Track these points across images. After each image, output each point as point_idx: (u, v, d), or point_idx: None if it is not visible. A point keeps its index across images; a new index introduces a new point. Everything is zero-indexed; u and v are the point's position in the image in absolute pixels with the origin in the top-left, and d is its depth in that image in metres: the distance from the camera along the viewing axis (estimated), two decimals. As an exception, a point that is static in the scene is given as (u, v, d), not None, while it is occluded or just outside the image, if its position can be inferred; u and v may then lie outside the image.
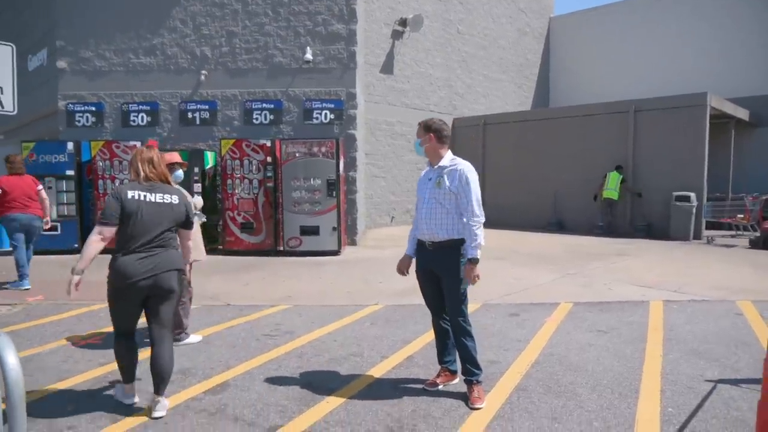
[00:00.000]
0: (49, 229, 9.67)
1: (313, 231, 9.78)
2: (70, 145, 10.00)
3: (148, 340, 3.53)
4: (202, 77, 10.95)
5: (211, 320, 5.61)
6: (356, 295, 6.73)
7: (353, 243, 11.20)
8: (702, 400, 3.53)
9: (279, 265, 8.95)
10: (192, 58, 11.04)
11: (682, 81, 16.35)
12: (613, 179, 12.69)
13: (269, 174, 9.85)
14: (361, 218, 11.80)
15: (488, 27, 18.09)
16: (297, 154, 9.71)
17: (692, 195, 11.67)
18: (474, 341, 3.60)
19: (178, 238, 3.56)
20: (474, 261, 3.44)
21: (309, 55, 10.77)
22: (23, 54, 14.41)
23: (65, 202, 9.90)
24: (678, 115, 12.23)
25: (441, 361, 3.85)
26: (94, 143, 10.10)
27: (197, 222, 5.08)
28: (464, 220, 3.52)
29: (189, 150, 10.17)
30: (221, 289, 7.06)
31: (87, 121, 11.12)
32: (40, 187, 7.28)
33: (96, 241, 3.24)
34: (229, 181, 9.88)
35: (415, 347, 4.66)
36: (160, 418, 3.35)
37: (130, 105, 11.09)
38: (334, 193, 9.71)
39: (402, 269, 3.86)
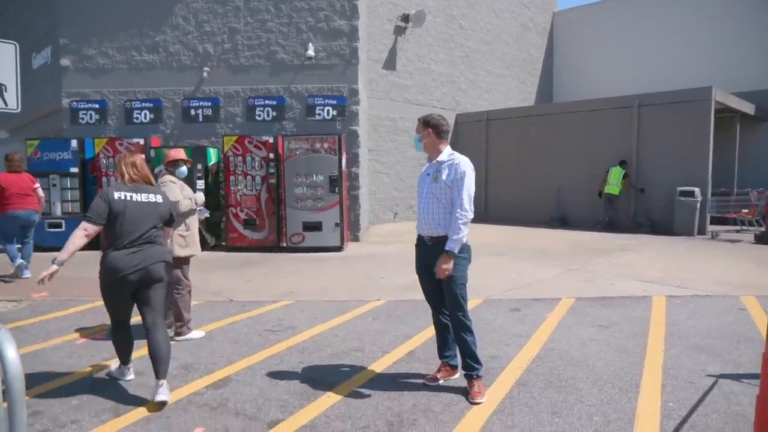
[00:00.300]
0: (54, 226, 9.81)
1: (315, 227, 9.79)
2: (73, 143, 10.04)
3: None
4: (205, 74, 10.97)
5: (213, 316, 5.64)
6: (358, 290, 6.75)
7: (356, 239, 11.22)
8: (703, 394, 3.52)
9: (282, 261, 8.97)
10: (194, 55, 11.05)
11: (687, 75, 16.26)
12: (615, 174, 12.64)
13: (272, 170, 9.86)
14: (364, 214, 11.81)
15: (491, 22, 18.03)
16: (299, 151, 9.72)
17: (696, 190, 11.62)
18: (474, 336, 3.61)
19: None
20: (450, 254, 3.44)
21: (311, 52, 10.77)
22: (27, 52, 14.47)
23: (69, 199, 9.95)
24: (682, 109, 12.16)
25: (441, 356, 3.86)
26: (98, 140, 10.15)
27: (197, 218, 5.10)
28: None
29: (192, 147, 10.20)
30: (224, 285, 7.09)
31: (90, 119, 11.16)
32: (37, 184, 7.61)
33: (80, 236, 3.42)
34: (231, 178, 9.90)
35: (416, 342, 4.67)
36: (165, 402, 3.45)
37: (133, 102, 11.12)
38: (337, 189, 9.72)
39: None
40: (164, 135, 11.06)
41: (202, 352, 4.52)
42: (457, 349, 3.70)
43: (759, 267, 8.05)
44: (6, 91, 6.13)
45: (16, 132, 17.84)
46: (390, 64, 14.93)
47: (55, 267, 3.40)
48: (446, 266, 3.45)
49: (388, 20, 14.81)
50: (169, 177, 4.85)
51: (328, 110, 11.02)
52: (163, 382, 3.50)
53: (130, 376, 3.87)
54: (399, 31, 15.06)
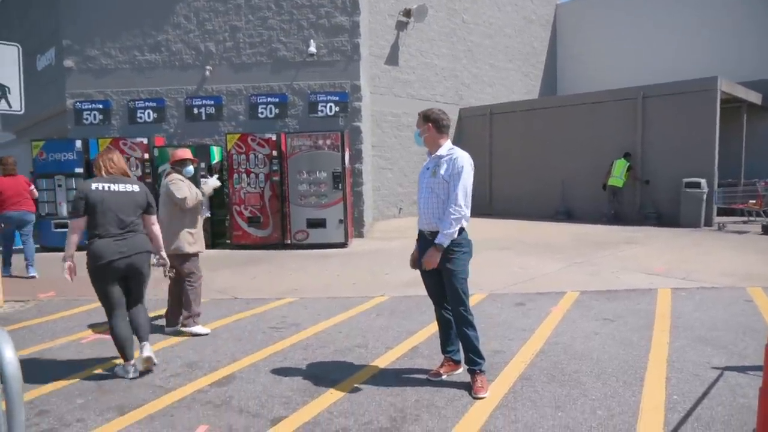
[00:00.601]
0: (60, 226, 9.87)
1: (319, 224, 9.80)
2: (78, 143, 10.09)
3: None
4: (207, 72, 10.98)
5: (218, 313, 5.67)
6: (362, 286, 6.75)
7: (360, 235, 11.22)
8: (708, 387, 3.50)
9: (286, 258, 8.99)
10: (196, 54, 11.07)
11: (692, 65, 16.09)
12: (619, 167, 12.57)
13: (275, 168, 9.87)
14: (368, 210, 11.81)
15: (494, 16, 17.92)
16: (302, 148, 9.72)
17: (702, 181, 11.53)
18: (476, 331, 3.60)
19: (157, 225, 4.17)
20: (438, 247, 3.43)
21: (313, 48, 10.75)
22: (32, 54, 14.54)
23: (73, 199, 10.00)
24: (688, 100, 12.06)
25: (444, 351, 3.85)
26: (102, 141, 10.17)
27: (202, 217, 5.12)
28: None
29: (195, 145, 10.23)
30: (228, 282, 7.11)
31: (95, 119, 11.21)
32: (32, 187, 7.93)
33: (71, 233, 3.84)
34: (235, 176, 9.92)
35: (419, 338, 4.67)
36: (150, 357, 3.91)
37: (136, 102, 11.15)
38: (340, 185, 9.72)
39: (414, 263, 3.84)
40: (168, 134, 11.10)
41: (206, 350, 4.54)
42: (460, 344, 3.69)
43: (766, 258, 7.99)
44: (10, 93, 6.18)
45: (22, 134, 17.96)
46: (392, 59, 14.88)
47: (69, 263, 3.81)
48: (432, 259, 3.45)
49: (390, 15, 14.75)
50: (176, 176, 4.94)
51: (330, 107, 11.01)
52: (146, 342, 3.96)
53: (134, 374, 3.91)
54: (401, 26, 15.00)
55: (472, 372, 3.58)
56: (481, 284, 6.57)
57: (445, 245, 3.43)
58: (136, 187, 3.98)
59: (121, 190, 3.88)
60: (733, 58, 16.20)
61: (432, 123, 3.63)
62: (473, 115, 16.37)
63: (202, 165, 9.81)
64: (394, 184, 14.28)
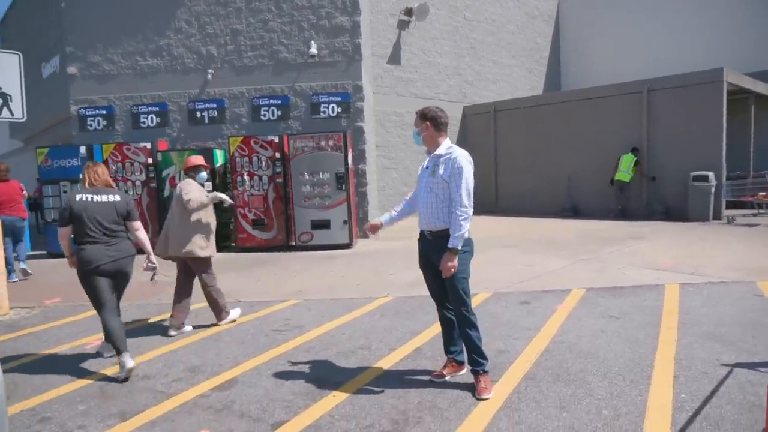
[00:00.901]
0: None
1: (323, 225, 9.78)
2: (82, 149, 10.13)
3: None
4: (209, 76, 10.99)
5: (221, 317, 5.65)
6: (366, 287, 6.72)
7: (365, 236, 11.17)
8: (717, 385, 3.43)
9: (291, 260, 8.97)
10: (198, 58, 11.08)
11: (697, 57, 15.88)
12: (626, 161, 12.45)
13: (278, 170, 9.86)
14: (373, 210, 11.77)
15: (495, 12, 17.83)
16: (305, 149, 9.71)
17: (710, 174, 11.39)
18: (478, 331, 3.55)
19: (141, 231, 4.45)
20: (453, 251, 3.38)
21: (314, 50, 10.73)
22: (37, 62, 14.65)
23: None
24: (693, 92, 11.93)
25: (447, 352, 3.81)
26: (106, 146, 10.22)
27: (213, 222, 5.25)
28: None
29: (198, 149, 10.25)
30: (233, 285, 7.09)
31: (98, 125, 11.26)
32: (25, 192, 8.22)
33: (60, 240, 4.25)
34: (239, 179, 9.92)
35: (423, 338, 4.63)
36: (133, 367, 4.03)
37: (139, 107, 11.19)
38: (344, 186, 9.69)
39: (367, 228, 3.89)
40: (171, 138, 11.12)
41: (208, 353, 4.52)
42: (463, 344, 3.65)
43: (776, 251, 7.87)
44: (11, 101, 6.19)
45: (29, 141, 18.10)
46: (395, 58, 14.83)
47: (72, 259, 4.23)
48: (451, 264, 3.39)
49: (391, 15, 14.71)
50: (189, 180, 5.23)
51: (332, 107, 10.98)
52: (126, 353, 4.06)
53: (131, 363, 4.01)
54: (402, 25, 14.95)
55: (476, 373, 3.53)
56: (486, 283, 6.52)
57: (459, 247, 3.39)
58: (117, 197, 4.30)
59: (103, 200, 4.21)
60: (739, 49, 15.99)
61: (430, 121, 3.59)
62: (477, 113, 16.29)
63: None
64: (399, 184, 14.23)
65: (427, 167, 3.67)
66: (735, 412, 3.08)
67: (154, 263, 4.45)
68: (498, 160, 15.74)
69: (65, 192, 10.08)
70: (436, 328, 4.70)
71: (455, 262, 3.40)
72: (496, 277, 6.85)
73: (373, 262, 8.43)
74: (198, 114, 11.14)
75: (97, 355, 4.58)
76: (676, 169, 12.08)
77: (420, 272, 3.79)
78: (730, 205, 12.34)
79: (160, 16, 11.05)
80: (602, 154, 13.15)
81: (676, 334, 4.42)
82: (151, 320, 5.70)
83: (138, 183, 10.19)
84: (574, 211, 13.91)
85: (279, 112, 11.06)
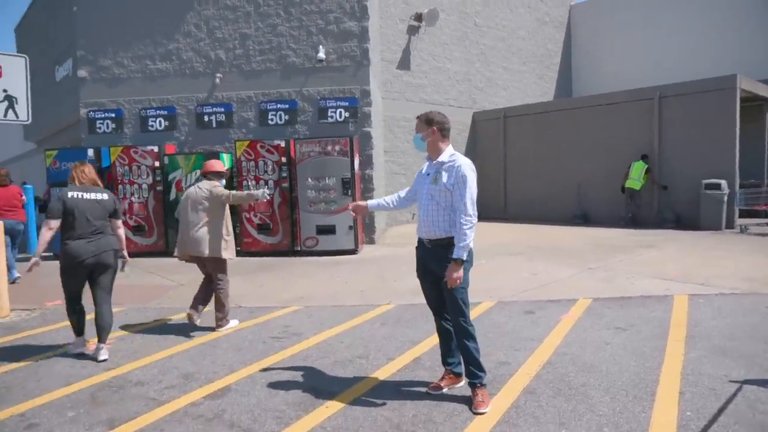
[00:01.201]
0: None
1: (329, 230, 9.72)
2: (90, 152, 10.18)
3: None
4: (217, 80, 11.00)
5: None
6: (369, 294, 6.63)
7: (372, 241, 11.10)
8: (725, 402, 3.30)
9: (295, 265, 8.92)
10: (207, 62, 11.11)
11: (710, 64, 15.62)
12: (637, 169, 12.26)
13: (284, 174, 9.83)
14: (379, 216, 11.70)
15: (506, 18, 17.73)
16: (311, 154, 9.66)
17: (723, 182, 11.17)
18: (476, 342, 3.45)
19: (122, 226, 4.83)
20: (459, 262, 3.29)
21: (322, 54, 10.70)
22: (51, 65, 14.81)
23: (87, 208, 10.07)
24: (706, 99, 11.72)
25: (445, 363, 3.71)
26: (113, 149, 10.27)
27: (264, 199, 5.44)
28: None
29: (205, 153, 10.25)
30: (236, 290, 6.99)
31: (107, 128, 11.31)
32: (24, 196, 8.40)
33: (46, 231, 4.37)
34: (245, 183, 9.90)
35: (423, 348, 4.53)
36: (104, 360, 4.40)
37: (148, 110, 11.23)
38: (350, 191, 9.63)
39: (352, 208, 3.85)
40: (179, 142, 11.14)
41: (204, 360, 4.46)
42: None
43: (791, 262, 7.66)
44: (17, 104, 6.21)
45: (43, 143, 18.25)
46: (404, 64, 14.79)
47: (35, 258, 4.36)
48: (457, 275, 3.30)
49: (401, 20, 14.68)
50: (216, 181, 5.42)
51: (340, 112, 10.93)
52: (103, 345, 4.50)
53: (83, 348, 4.62)
54: (412, 30, 14.92)
55: (473, 385, 3.43)
56: (491, 291, 6.40)
57: (464, 258, 3.30)
58: (105, 196, 4.61)
59: (92, 198, 4.51)
60: (752, 55, 15.72)
61: (436, 126, 3.51)
62: (487, 119, 16.18)
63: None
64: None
65: (428, 174, 3.58)
66: (744, 431, 2.95)
67: (125, 257, 4.81)
68: (507, 167, 15.61)
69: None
70: (436, 338, 4.59)
71: (461, 272, 3.31)
72: (501, 286, 6.73)
73: (378, 268, 8.35)
74: (206, 118, 11.15)
75: (93, 359, 4.54)
76: (688, 176, 11.87)
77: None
78: (744, 214, 12.08)
79: (170, 20, 11.10)
80: (613, 161, 12.97)
81: (684, 347, 4.28)
82: (150, 325, 5.65)
83: (145, 186, 10.20)
84: (583, 218, 13.72)
85: (286, 117, 11.03)
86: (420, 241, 3.63)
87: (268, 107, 11.04)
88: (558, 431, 3.03)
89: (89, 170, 4.68)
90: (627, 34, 18.89)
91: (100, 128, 11.32)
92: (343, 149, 9.58)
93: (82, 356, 4.64)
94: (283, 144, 9.85)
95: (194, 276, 7.68)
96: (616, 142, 13.09)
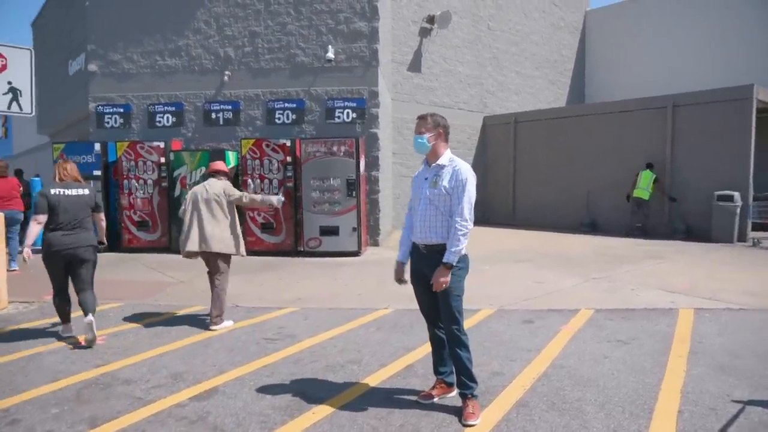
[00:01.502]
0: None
1: (332, 231, 9.65)
2: (97, 146, 10.22)
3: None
4: (226, 77, 10.99)
5: (215, 322, 5.54)
6: (368, 297, 6.54)
7: (376, 244, 11.02)
8: (725, 424, 3.16)
9: (297, 265, 8.85)
10: (216, 59, 11.10)
11: (726, 73, 15.37)
12: (645, 178, 12.06)
13: (289, 174, 9.78)
14: (385, 218, 11.61)
15: (520, 22, 17.59)
16: (317, 154, 9.60)
17: (736, 194, 10.94)
18: (469, 352, 3.35)
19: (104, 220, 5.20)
20: (448, 266, 3.20)
21: (331, 54, 10.65)
22: (65, 59, 14.91)
23: (92, 202, 10.09)
24: (721, 109, 11.50)
25: (437, 372, 3.62)
26: (120, 144, 10.29)
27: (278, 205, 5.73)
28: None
29: (211, 150, 10.23)
30: (234, 290, 6.95)
31: (115, 123, 11.35)
32: (21, 188, 8.87)
33: (34, 225, 4.73)
34: (249, 181, 9.86)
35: (417, 355, 4.43)
36: (91, 322, 4.66)
37: (156, 106, 11.25)
38: (354, 193, 9.56)
39: (399, 279, 3.66)
40: (186, 138, 11.14)
41: (195, 360, 4.40)
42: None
43: (803, 278, 7.45)
44: (21, 96, 6.21)
45: (56, 136, 18.40)
46: (415, 66, 14.71)
47: (27, 249, 4.67)
48: (444, 279, 3.22)
49: (413, 22, 14.60)
50: (226, 181, 5.59)
51: (347, 113, 10.87)
52: (90, 315, 4.70)
53: (71, 333, 4.98)
54: (424, 32, 14.83)
55: (464, 396, 3.33)
56: (492, 299, 6.29)
57: (454, 263, 3.22)
58: (86, 191, 4.89)
59: (74, 193, 4.80)
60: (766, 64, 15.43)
61: (443, 129, 3.42)
62: (498, 123, 16.05)
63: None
64: (413, 192, 14.03)
65: (426, 178, 3.49)
66: (743, 455, 2.82)
67: (104, 243, 5.17)
68: (517, 172, 15.46)
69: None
70: (430, 345, 4.52)
71: (448, 278, 3.22)
72: (503, 293, 6.61)
73: (380, 271, 8.25)
74: (213, 115, 11.14)
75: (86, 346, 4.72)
76: (700, 187, 11.65)
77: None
78: (757, 227, 11.82)
79: (180, 17, 11.11)
80: (624, 170, 12.77)
81: (686, 363, 4.14)
82: (145, 322, 5.60)
83: (150, 182, 10.21)
84: (592, 226, 13.54)
85: (294, 116, 10.99)
86: (415, 246, 3.54)
87: (276, 106, 11.01)
88: (548, 448, 2.92)
89: (71, 167, 4.96)
90: (642, 42, 18.65)
91: (108, 123, 11.36)
92: (349, 150, 9.52)
93: (75, 348, 4.72)
94: (288, 143, 9.81)
95: (195, 274, 7.68)
96: (627, 150, 12.89)
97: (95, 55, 11.39)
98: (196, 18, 11.08)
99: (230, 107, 11.10)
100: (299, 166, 9.76)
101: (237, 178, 10.32)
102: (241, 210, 9.94)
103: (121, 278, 7.89)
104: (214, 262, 5.39)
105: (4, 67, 5.91)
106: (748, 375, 3.91)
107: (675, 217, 12.17)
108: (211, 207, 5.30)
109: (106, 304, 6.22)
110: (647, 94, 13.69)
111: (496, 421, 3.24)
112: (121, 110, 11.33)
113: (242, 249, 5.49)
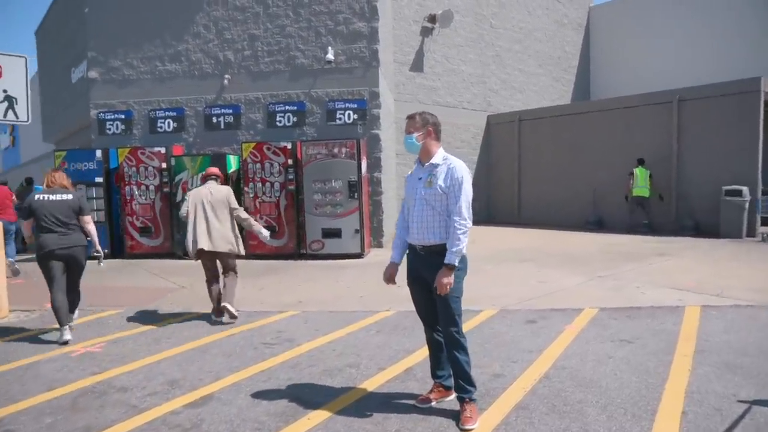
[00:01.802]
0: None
1: (335, 233, 9.60)
2: (98, 153, 10.23)
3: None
4: (226, 81, 10.98)
5: (214, 327, 5.51)
6: (369, 300, 6.48)
7: (379, 245, 10.95)
8: (731, 425, 3.07)
9: (299, 268, 8.81)
10: (215, 63, 11.09)
11: (732, 67, 15.15)
12: (642, 175, 11.94)
13: (291, 176, 9.74)
14: (388, 220, 11.54)
15: (523, 20, 17.48)
16: (318, 156, 9.56)
17: (744, 189, 10.78)
18: (468, 355, 3.28)
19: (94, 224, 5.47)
20: (450, 267, 3.13)
21: (330, 55, 10.60)
22: (68, 67, 14.97)
23: (95, 208, 10.04)
24: (727, 103, 11.35)
25: (434, 376, 3.55)
26: (121, 150, 10.30)
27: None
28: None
29: (213, 154, 10.22)
30: (236, 293, 6.94)
31: (117, 129, 11.37)
32: (14, 197, 9.06)
33: (25, 229, 5.39)
34: (251, 185, 9.84)
35: (416, 358, 4.36)
36: (67, 340, 4.96)
37: (157, 111, 11.25)
38: (356, 194, 9.50)
39: (389, 279, 3.61)
40: (187, 143, 11.14)
41: (192, 366, 4.35)
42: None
43: (813, 273, 7.31)
44: (17, 104, 6.21)
45: (61, 144, 18.50)
46: (417, 66, 14.66)
47: (29, 234, 5.49)
48: (447, 280, 3.14)
49: (414, 21, 14.56)
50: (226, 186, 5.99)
51: (348, 114, 10.82)
52: (73, 316, 5.34)
53: (67, 336, 5.01)
54: (426, 32, 14.78)
55: (461, 400, 3.26)
56: (495, 299, 6.21)
57: (456, 263, 3.15)
58: (70, 196, 5.18)
59: (57, 198, 5.10)
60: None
61: (432, 127, 3.36)
62: (501, 122, 15.96)
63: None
64: (417, 193, 13.95)
65: (420, 178, 3.43)
66: (749, 458, 2.73)
67: (99, 251, 5.39)
68: (522, 170, 15.35)
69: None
70: (429, 348, 4.44)
71: (451, 278, 3.16)
72: (506, 293, 6.52)
73: (382, 273, 8.16)
74: (214, 119, 11.13)
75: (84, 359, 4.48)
76: (707, 182, 11.50)
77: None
78: (766, 222, 11.65)
79: (179, 22, 11.11)
80: (630, 166, 12.61)
81: (692, 362, 4.04)
82: (144, 328, 5.57)
83: (152, 187, 10.21)
84: (598, 224, 13.40)
85: (295, 119, 10.96)
86: (411, 247, 3.48)
87: (276, 109, 10.98)
88: (547, 453, 2.84)
89: (59, 175, 5.33)
90: (647, 37, 18.46)
91: (109, 129, 11.39)
92: (350, 152, 9.47)
93: (74, 364, 4.60)
94: (289, 146, 9.77)
95: (196, 278, 7.64)
96: (633, 147, 12.75)
97: (95, 61, 11.42)
98: (195, 22, 11.08)
99: (231, 111, 11.09)
100: (300, 168, 9.72)
101: (239, 182, 10.31)
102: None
103: (123, 284, 7.88)
104: (224, 261, 5.76)
105: None
106: (755, 373, 3.81)
107: (683, 213, 12.01)
108: (216, 210, 5.61)
109: (107, 311, 6.21)
110: (652, 90, 13.53)
111: (495, 424, 3.17)
112: (123, 116, 11.34)
113: (242, 248, 5.89)
